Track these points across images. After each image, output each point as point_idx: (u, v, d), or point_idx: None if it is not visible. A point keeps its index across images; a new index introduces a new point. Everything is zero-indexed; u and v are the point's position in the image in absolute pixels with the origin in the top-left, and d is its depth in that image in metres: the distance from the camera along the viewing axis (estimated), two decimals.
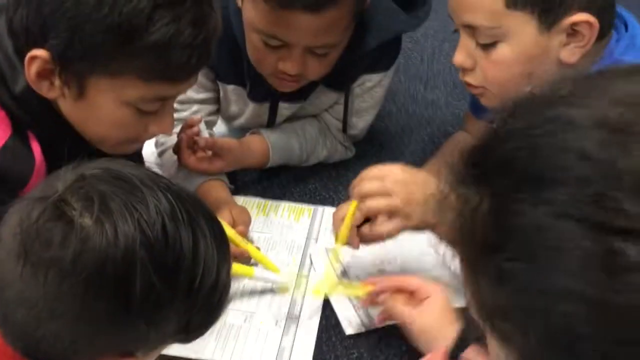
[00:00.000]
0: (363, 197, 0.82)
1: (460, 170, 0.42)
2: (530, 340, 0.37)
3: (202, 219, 0.53)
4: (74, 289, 0.48)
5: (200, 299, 0.52)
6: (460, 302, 0.86)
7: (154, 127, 0.77)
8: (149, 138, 0.83)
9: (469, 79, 0.82)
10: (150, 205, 0.49)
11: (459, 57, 0.81)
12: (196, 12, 0.70)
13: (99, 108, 0.73)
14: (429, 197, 0.84)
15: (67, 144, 0.79)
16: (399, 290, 0.78)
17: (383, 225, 0.81)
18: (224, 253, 0.55)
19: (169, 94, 0.75)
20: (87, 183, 0.50)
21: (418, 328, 0.74)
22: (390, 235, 0.83)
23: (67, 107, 0.74)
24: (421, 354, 0.71)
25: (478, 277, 0.39)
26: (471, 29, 0.78)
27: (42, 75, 0.70)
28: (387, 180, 0.81)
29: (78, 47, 0.67)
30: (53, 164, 0.77)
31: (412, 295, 0.77)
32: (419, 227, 0.83)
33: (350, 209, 0.83)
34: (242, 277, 0.85)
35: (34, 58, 0.68)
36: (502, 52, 0.77)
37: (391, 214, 0.81)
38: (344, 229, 0.84)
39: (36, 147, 0.74)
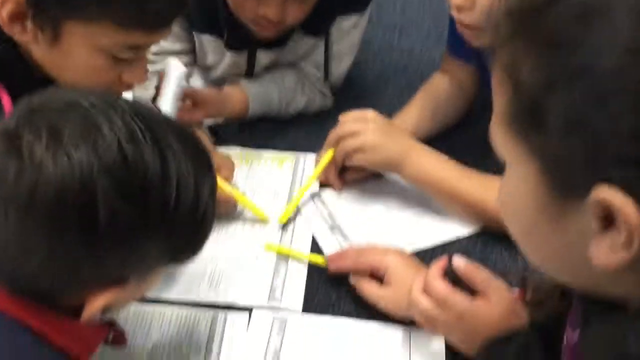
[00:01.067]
0: (340, 139, 0.90)
1: None
2: (571, 109, 0.39)
3: (171, 135, 0.50)
4: (37, 223, 0.47)
5: (179, 218, 0.50)
6: (441, 235, 0.90)
7: (127, 75, 0.77)
8: (125, 89, 0.82)
9: (465, 18, 0.81)
10: (104, 129, 0.47)
11: None
12: None
13: (73, 54, 0.71)
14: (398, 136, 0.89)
15: (34, 92, 0.78)
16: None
17: (359, 160, 0.89)
18: (204, 168, 0.53)
19: (143, 42, 0.74)
20: (37, 114, 0.49)
21: (390, 310, 0.74)
22: (364, 164, 0.91)
23: (40, 52, 0.72)
24: None
25: (522, 64, 0.42)
26: None
27: (14, 18, 0.68)
28: (362, 122, 0.89)
29: None
30: None
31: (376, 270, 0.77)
32: (388, 164, 0.90)
33: (327, 154, 0.91)
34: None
35: None
36: None
37: (366, 150, 0.88)
38: (317, 170, 0.92)
39: (6, 99, 0.72)
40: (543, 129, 0.41)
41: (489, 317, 0.62)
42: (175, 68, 0.96)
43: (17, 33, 0.69)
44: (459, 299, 0.63)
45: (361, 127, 0.89)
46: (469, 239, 0.91)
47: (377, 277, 0.76)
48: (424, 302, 0.66)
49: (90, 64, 0.73)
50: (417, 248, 0.87)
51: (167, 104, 0.91)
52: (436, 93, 1.06)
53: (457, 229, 0.91)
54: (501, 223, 0.88)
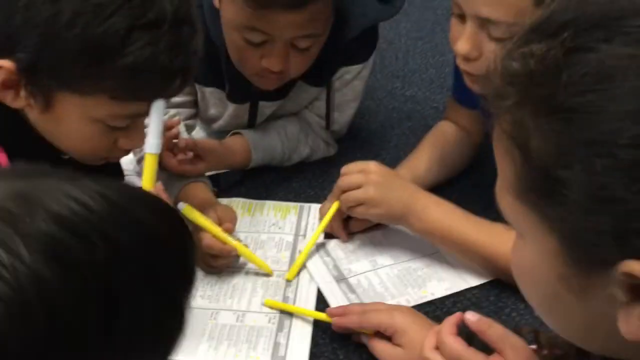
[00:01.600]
0: (344, 191, 0.88)
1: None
2: (591, 180, 0.38)
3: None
4: None
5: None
6: (452, 285, 0.86)
7: (123, 141, 0.75)
8: (121, 154, 0.81)
9: (471, 68, 0.80)
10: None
11: (465, 47, 0.78)
12: (175, 36, 0.67)
13: (66, 122, 0.70)
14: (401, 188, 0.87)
15: (37, 155, 0.77)
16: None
17: (361, 214, 0.88)
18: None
19: (140, 111, 0.73)
20: None
21: None
22: (367, 217, 0.89)
23: (34, 117, 0.71)
24: None
25: (531, 134, 0.40)
26: (486, 22, 0.76)
27: (7, 85, 0.67)
28: (364, 174, 0.87)
29: (46, 63, 0.65)
30: None
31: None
32: (391, 217, 0.88)
33: (332, 207, 0.89)
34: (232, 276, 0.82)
35: None
36: None
37: (368, 204, 0.86)
38: (322, 224, 0.90)
39: (3, 159, 0.71)
40: (561, 202, 0.39)
41: None
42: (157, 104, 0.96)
43: (9, 99, 0.69)
44: (474, 357, 0.59)
45: (363, 180, 0.87)
46: (480, 288, 0.87)
47: (385, 336, 0.73)
48: None
49: (84, 132, 0.72)
50: (427, 300, 0.84)
51: (153, 135, 0.86)
52: (443, 140, 1.04)
53: (468, 279, 0.87)
54: (513, 277, 0.86)
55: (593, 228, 0.39)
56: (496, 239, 0.82)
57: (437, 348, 0.63)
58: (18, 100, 0.69)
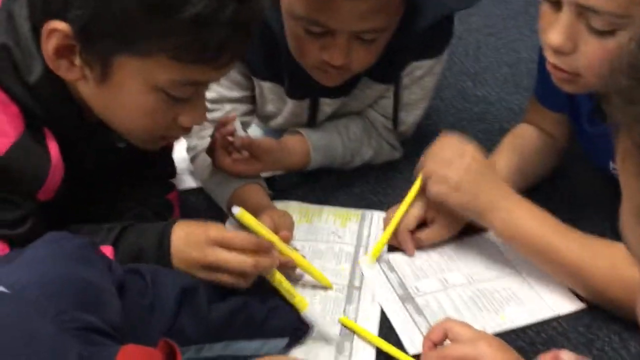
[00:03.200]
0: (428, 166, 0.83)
1: None
2: None
3: None
4: None
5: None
6: (534, 311, 0.76)
7: (184, 116, 0.69)
8: (181, 132, 0.74)
9: (562, 63, 0.71)
10: None
11: (559, 38, 0.69)
12: None
13: (125, 92, 0.64)
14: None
15: (88, 142, 0.72)
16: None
17: (441, 194, 0.81)
18: None
19: (203, 78, 0.67)
20: None
21: None
22: (445, 201, 0.81)
23: (89, 91, 0.66)
24: None
25: None
26: (586, 10, 0.67)
27: (61, 52, 0.62)
28: (458, 154, 0.81)
29: (104, 22, 0.59)
30: (72, 164, 0.69)
31: None
32: (474, 208, 0.80)
33: (415, 183, 0.84)
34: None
35: (52, 31, 0.60)
36: (621, 42, 0.65)
37: (452, 186, 0.80)
38: (407, 199, 0.84)
39: (53, 145, 0.66)
40: None
41: None
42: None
43: (63, 70, 0.63)
44: None
45: (453, 159, 0.81)
46: (567, 317, 0.76)
47: None
48: None
49: (143, 103, 0.66)
50: (506, 328, 0.74)
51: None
52: (523, 145, 0.94)
53: (553, 305, 0.77)
54: (608, 299, 0.74)
55: None
56: (593, 254, 0.73)
57: None
58: (73, 71, 0.64)
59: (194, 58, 0.62)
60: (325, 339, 0.72)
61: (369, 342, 0.72)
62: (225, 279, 0.65)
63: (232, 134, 0.90)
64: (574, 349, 0.71)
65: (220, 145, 0.89)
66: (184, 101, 0.68)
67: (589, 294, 0.75)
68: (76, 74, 0.64)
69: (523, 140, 0.95)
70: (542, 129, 0.95)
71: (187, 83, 0.65)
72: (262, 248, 0.66)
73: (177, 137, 0.81)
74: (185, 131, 0.74)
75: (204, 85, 0.70)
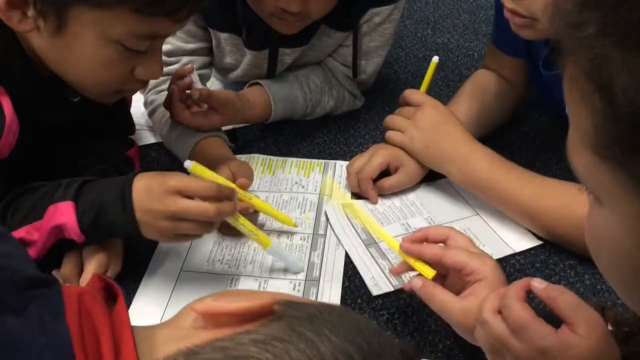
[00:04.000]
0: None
1: None
2: None
3: None
4: None
5: None
6: (493, 250, 0.78)
7: (141, 69, 0.67)
8: (137, 87, 0.73)
9: (518, 7, 0.71)
10: None
11: None
12: None
13: (80, 45, 0.62)
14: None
15: (41, 97, 0.70)
16: (438, 262, 0.64)
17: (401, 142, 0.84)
18: None
19: (162, 31, 0.65)
20: None
21: (460, 324, 0.60)
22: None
23: (42, 43, 0.63)
24: None
25: (616, 71, 0.33)
26: None
27: (13, 3, 0.59)
28: (418, 105, 0.84)
29: None
30: (28, 120, 0.67)
31: (456, 273, 0.63)
32: (431, 160, 0.83)
33: (431, 64, 0.87)
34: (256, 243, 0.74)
35: None
36: None
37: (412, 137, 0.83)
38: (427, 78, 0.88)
39: (5, 102, 0.64)
40: None
41: (578, 354, 0.50)
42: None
43: (15, 21, 0.61)
44: (542, 330, 0.51)
45: (417, 110, 0.84)
46: (525, 254, 0.79)
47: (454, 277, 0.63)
48: (498, 326, 0.53)
49: (99, 56, 0.64)
50: None
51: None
52: (482, 91, 0.95)
53: (511, 243, 0.79)
54: (560, 235, 0.76)
55: None
56: (545, 192, 0.75)
57: (500, 312, 0.55)
58: (25, 22, 0.61)
59: (154, 10, 0.61)
60: (293, 271, 0.74)
61: (328, 281, 0.73)
62: (189, 228, 0.64)
63: (190, 86, 0.88)
64: None
65: (178, 99, 0.87)
66: (141, 54, 0.66)
67: (543, 232, 0.78)
68: (29, 26, 0.61)
69: (482, 86, 0.96)
70: (500, 75, 0.96)
71: (145, 36, 0.64)
72: (223, 194, 0.65)
73: (133, 91, 0.79)
74: (142, 85, 0.72)
75: (162, 38, 0.68)
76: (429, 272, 0.64)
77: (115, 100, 0.75)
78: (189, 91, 0.88)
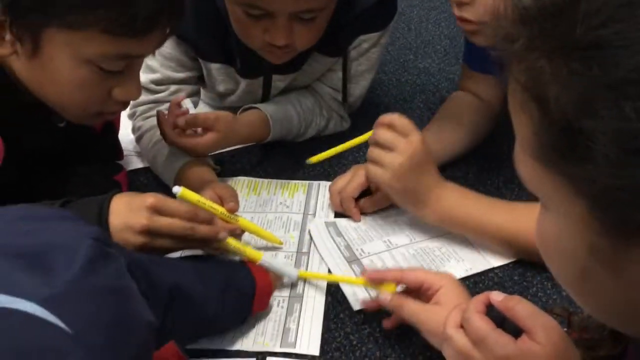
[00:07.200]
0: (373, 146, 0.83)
1: None
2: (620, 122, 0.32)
3: None
4: None
5: None
6: (472, 265, 0.80)
7: (118, 90, 0.69)
8: (115, 108, 0.75)
9: (466, 13, 0.75)
10: None
11: None
12: None
13: (56, 67, 0.65)
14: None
15: (27, 122, 0.72)
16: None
17: (377, 177, 0.81)
18: None
19: (135, 51, 0.67)
20: None
21: (433, 331, 0.63)
22: (380, 183, 0.82)
23: (21, 67, 0.66)
24: None
25: (547, 81, 0.35)
26: None
27: None
28: (404, 138, 0.79)
29: None
30: (13, 145, 0.69)
31: (419, 291, 0.68)
32: (406, 201, 0.81)
33: (365, 134, 0.84)
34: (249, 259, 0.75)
35: None
36: None
37: (391, 172, 0.79)
38: (355, 141, 0.87)
39: None
40: (587, 159, 0.34)
41: None
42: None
43: None
44: (501, 340, 0.53)
45: (399, 146, 0.78)
46: (503, 268, 0.81)
47: (419, 296, 0.67)
48: (460, 340, 0.56)
49: (75, 78, 0.66)
50: None
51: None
52: (459, 111, 0.98)
53: (489, 259, 0.81)
54: (538, 256, 0.79)
55: (627, 186, 0.33)
56: (515, 217, 0.77)
57: (462, 327, 0.57)
58: (4, 46, 0.64)
59: (123, 31, 0.63)
60: (289, 278, 0.76)
61: (311, 300, 0.75)
62: (165, 243, 0.65)
63: (186, 113, 0.90)
64: None
65: (170, 124, 0.89)
66: (117, 75, 0.68)
67: (520, 254, 0.80)
68: (7, 50, 0.64)
69: (458, 106, 0.99)
70: (476, 94, 1.00)
71: (118, 56, 0.66)
72: (200, 217, 0.66)
73: (114, 113, 0.80)
74: (123, 106, 0.74)
75: (137, 58, 0.70)
76: (392, 288, 0.69)
77: (98, 122, 0.76)
78: (184, 117, 0.89)
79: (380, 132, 0.80)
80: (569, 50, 0.34)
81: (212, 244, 0.71)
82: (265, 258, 0.74)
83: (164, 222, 0.64)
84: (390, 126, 0.80)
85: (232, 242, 0.73)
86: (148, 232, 0.64)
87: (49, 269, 0.41)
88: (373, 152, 0.81)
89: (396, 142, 0.79)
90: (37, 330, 0.37)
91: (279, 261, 0.78)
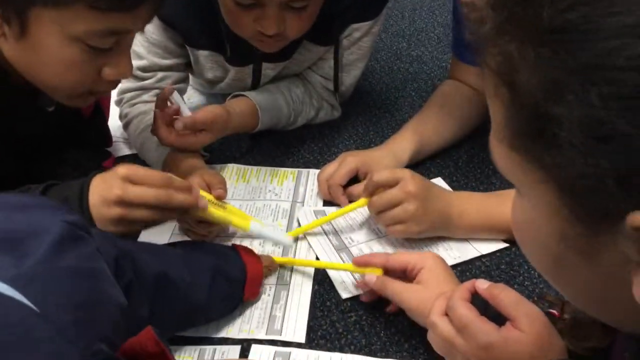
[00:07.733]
0: (374, 197, 0.79)
1: None
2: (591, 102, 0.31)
3: None
4: None
5: None
6: (461, 253, 0.80)
7: (108, 69, 0.68)
8: (107, 87, 0.74)
9: None
10: None
11: None
12: None
13: (45, 46, 0.64)
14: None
15: (16, 106, 0.71)
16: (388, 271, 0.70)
17: (402, 232, 0.79)
18: None
19: (123, 27, 0.66)
20: None
21: (415, 309, 0.64)
22: (407, 236, 0.81)
23: (10, 49, 0.65)
24: None
25: (517, 66, 0.34)
26: None
27: None
28: (401, 190, 0.77)
29: None
30: (3, 130, 0.68)
31: (405, 273, 0.68)
32: (434, 230, 0.80)
33: (359, 202, 0.81)
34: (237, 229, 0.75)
35: None
36: None
37: (409, 221, 0.78)
38: (345, 210, 0.82)
39: None
40: (555, 145, 0.33)
41: (520, 349, 0.52)
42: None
43: None
44: (484, 327, 0.53)
45: (402, 197, 0.77)
46: (491, 256, 0.81)
47: (406, 278, 0.68)
48: (444, 327, 0.56)
49: (64, 56, 0.65)
50: None
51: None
52: (449, 100, 0.97)
53: (477, 246, 0.81)
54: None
55: (593, 173, 0.32)
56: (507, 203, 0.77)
57: (447, 314, 0.57)
58: None
59: (110, 5, 0.62)
60: (283, 244, 0.78)
61: (298, 288, 0.75)
62: (141, 214, 0.63)
63: (177, 112, 0.88)
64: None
65: (164, 123, 0.87)
66: (107, 53, 0.66)
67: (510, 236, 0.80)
68: None
69: (448, 95, 0.98)
70: (465, 83, 0.99)
71: (106, 33, 0.64)
72: (175, 184, 0.65)
73: (105, 92, 0.79)
74: (113, 85, 0.73)
75: (126, 35, 0.68)
76: (378, 271, 0.70)
77: (89, 102, 0.75)
78: (176, 119, 0.87)
79: (375, 201, 0.78)
80: (537, 34, 0.33)
81: (193, 214, 0.69)
82: (254, 228, 0.73)
83: (137, 190, 0.63)
84: (376, 188, 0.78)
85: (215, 211, 0.71)
86: (122, 202, 0.62)
87: (22, 252, 0.41)
88: (384, 218, 0.78)
89: (395, 196, 0.77)
90: (5, 309, 0.38)
91: (269, 228, 0.77)
